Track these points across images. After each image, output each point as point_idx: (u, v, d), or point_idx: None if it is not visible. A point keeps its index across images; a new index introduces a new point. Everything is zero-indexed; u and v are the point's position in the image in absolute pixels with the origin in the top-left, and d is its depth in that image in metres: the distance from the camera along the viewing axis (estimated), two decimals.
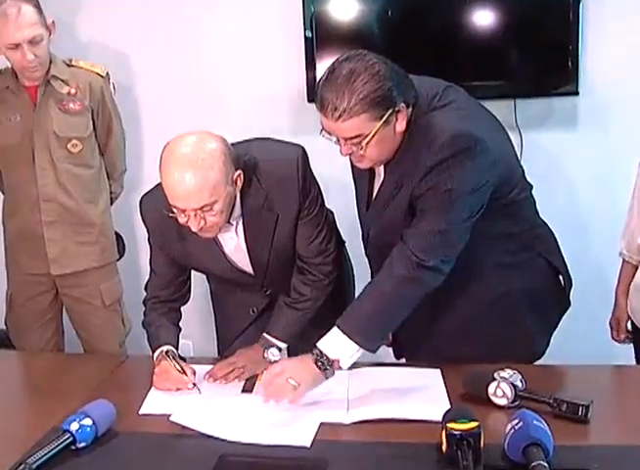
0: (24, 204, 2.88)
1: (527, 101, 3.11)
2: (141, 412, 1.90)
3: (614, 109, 3.12)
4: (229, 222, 2.05)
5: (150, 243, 2.22)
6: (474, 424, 1.56)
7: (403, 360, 2.29)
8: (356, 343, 1.89)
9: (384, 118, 1.81)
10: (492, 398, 1.83)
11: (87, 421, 1.68)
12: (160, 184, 1.94)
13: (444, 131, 1.85)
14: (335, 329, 1.91)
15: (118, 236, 3.15)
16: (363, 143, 1.84)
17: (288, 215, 2.08)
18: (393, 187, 1.97)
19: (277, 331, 2.19)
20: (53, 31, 2.74)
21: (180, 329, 2.24)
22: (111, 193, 3.11)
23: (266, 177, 2.04)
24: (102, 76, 2.94)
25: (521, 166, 2.13)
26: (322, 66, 3.06)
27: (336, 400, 1.92)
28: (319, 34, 3.11)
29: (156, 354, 2.10)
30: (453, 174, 1.84)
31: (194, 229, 1.93)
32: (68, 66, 2.88)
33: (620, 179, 3.14)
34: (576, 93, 3.04)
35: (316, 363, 1.87)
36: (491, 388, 1.83)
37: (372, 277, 2.20)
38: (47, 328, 3.03)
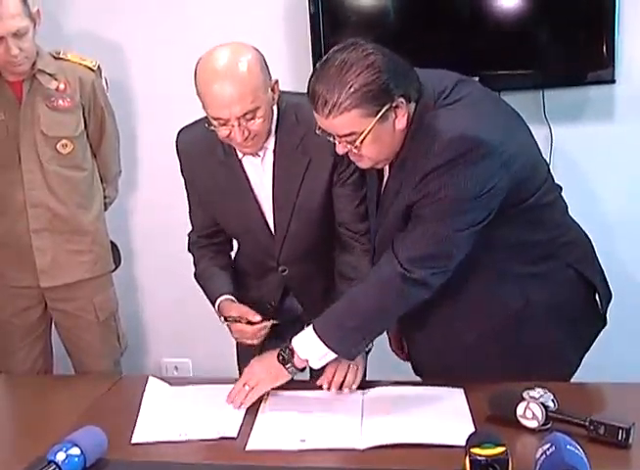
0: (10, 210, 2.87)
1: (558, 91, 3.07)
2: (133, 441, 1.88)
3: None
4: (257, 154, 2.15)
5: (187, 192, 2.35)
6: (500, 449, 1.54)
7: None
8: (330, 348, 1.97)
9: (379, 115, 1.80)
10: (521, 419, 1.80)
11: (75, 450, 1.66)
12: (198, 120, 2.16)
13: (443, 134, 1.83)
14: (309, 329, 1.99)
15: (113, 245, 3.13)
16: (357, 141, 1.83)
17: (321, 164, 2.14)
18: (393, 191, 1.97)
19: None
20: (38, 21, 2.72)
21: (234, 268, 2.37)
22: (105, 197, 3.11)
23: (306, 118, 2.06)
24: (93, 70, 2.94)
25: (547, 167, 2.10)
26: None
27: (348, 423, 1.91)
28: (326, 18, 3.09)
29: (216, 306, 2.25)
30: (450, 180, 1.82)
31: (238, 140, 2.01)
32: (56, 59, 2.87)
33: None
34: (613, 81, 3.00)
35: (278, 357, 2.00)
36: (520, 409, 1.81)
37: None
38: (34, 347, 3.02)
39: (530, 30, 3.01)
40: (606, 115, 3.14)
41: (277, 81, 2.07)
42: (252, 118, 2.00)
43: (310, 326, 1.99)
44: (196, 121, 2.22)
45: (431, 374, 2.20)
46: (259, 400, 2.06)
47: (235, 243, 2.45)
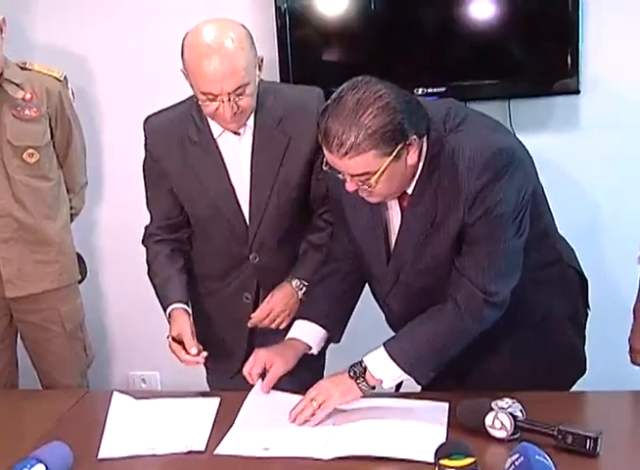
0: None
1: (523, 101, 3.09)
2: (100, 457, 1.86)
3: (619, 107, 3.10)
4: (237, 133, 2.17)
5: (145, 175, 2.33)
6: (469, 460, 1.54)
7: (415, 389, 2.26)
8: (407, 373, 1.96)
9: (394, 154, 1.80)
10: (490, 430, 1.80)
11: (39, 467, 1.63)
12: (165, 109, 2.24)
13: (481, 150, 1.85)
14: (382, 351, 1.96)
15: (79, 256, 3.09)
16: (372, 180, 1.82)
17: (301, 144, 2.17)
18: (427, 221, 1.95)
19: (305, 273, 2.28)
20: (4, 30, 2.70)
21: (189, 265, 2.35)
22: (71, 208, 3.07)
23: (285, 99, 2.19)
24: (59, 81, 2.91)
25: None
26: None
27: (317, 432, 1.92)
28: (293, 37, 3.09)
29: (167, 313, 2.22)
30: (501, 192, 1.85)
31: (227, 115, 2.03)
32: (22, 69, 2.85)
33: (630, 183, 3.13)
34: (577, 92, 3.02)
35: (349, 373, 1.96)
36: (488, 419, 1.80)
37: (388, 321, 2.20)
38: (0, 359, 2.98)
39: (497, 41, 3.03)
40: (571, 124, 3.16)
41: (262, 58, 2.09)
42: (242, 94, 2.01)
43: (382, 348, 1.97)
44: (162, 109, 2.27)
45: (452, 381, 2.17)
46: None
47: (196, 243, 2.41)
